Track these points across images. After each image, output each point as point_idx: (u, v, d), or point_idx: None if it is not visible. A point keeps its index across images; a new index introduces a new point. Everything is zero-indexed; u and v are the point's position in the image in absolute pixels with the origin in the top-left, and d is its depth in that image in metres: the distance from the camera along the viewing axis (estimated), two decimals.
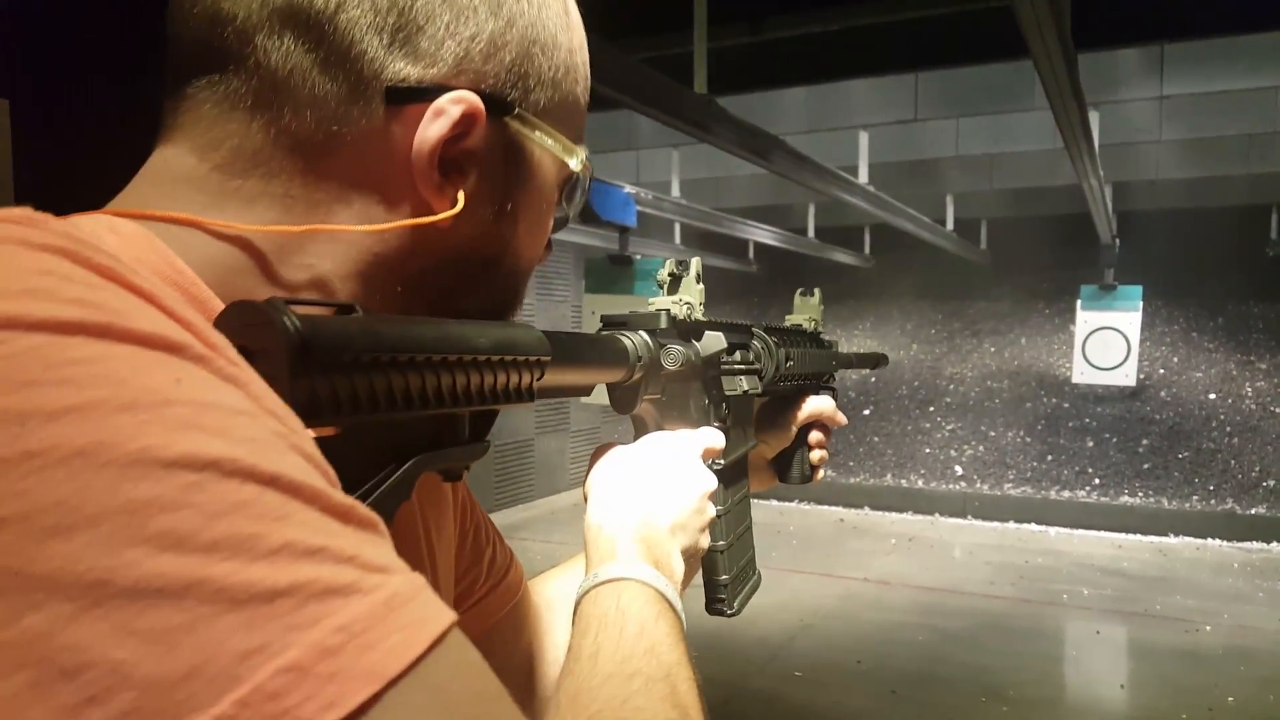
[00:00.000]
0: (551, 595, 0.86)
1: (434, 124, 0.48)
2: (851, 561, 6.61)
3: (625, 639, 0.55)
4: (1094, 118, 4.71)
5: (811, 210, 8.53)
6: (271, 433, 0.34)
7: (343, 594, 0.30)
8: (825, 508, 8.41)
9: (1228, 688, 4.27)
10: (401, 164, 0.49)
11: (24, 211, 0.36)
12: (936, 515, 8.22)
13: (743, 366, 0.90)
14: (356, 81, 0.47)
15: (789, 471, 1.09)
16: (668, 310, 0.78)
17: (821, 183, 5.33)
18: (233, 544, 0.29)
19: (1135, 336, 8.45)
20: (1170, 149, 6.62)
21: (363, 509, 0.35)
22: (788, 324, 1.14)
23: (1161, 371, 8.97)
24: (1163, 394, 8.75)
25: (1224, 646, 4.88)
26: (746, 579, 0.87)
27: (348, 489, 0.36)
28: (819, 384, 1.14)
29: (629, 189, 6.16)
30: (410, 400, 0.46)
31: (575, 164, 0.58)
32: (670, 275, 0.82)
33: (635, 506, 0.67)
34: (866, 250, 9.94)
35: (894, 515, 8.24)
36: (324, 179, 0.48)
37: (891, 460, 8.89)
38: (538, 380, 0.57)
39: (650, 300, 0.80)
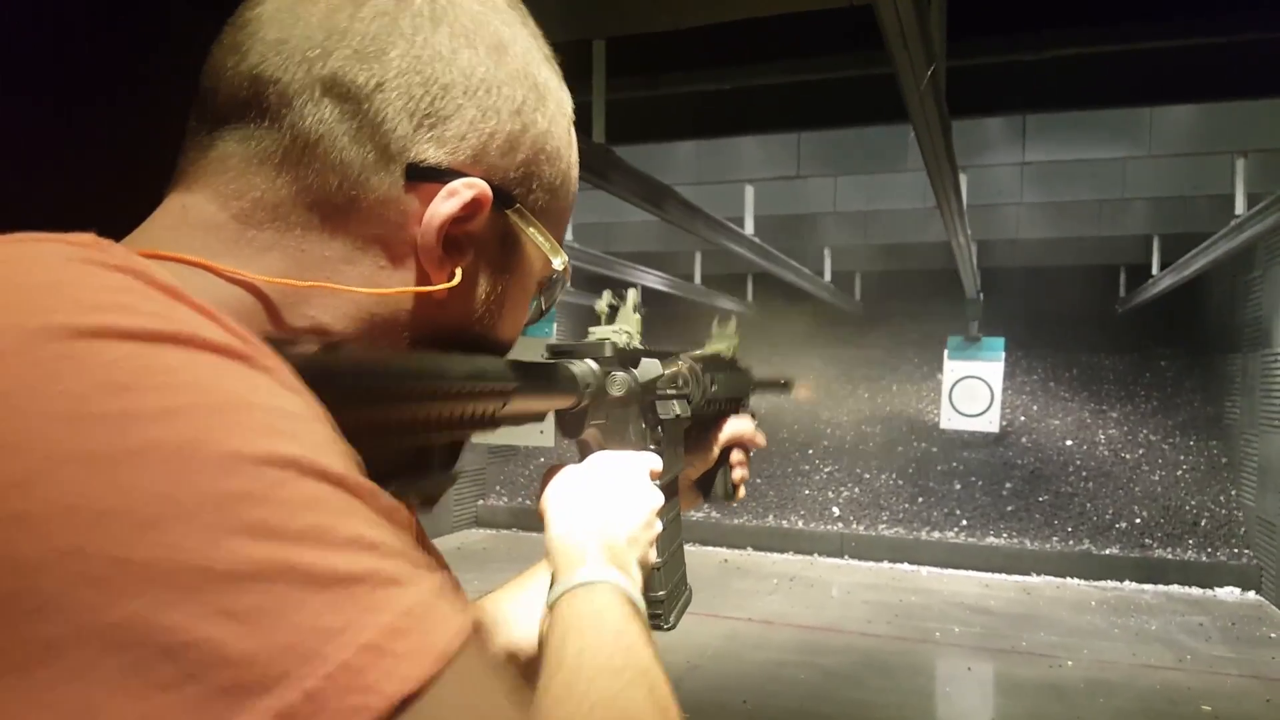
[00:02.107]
0: (498, 614, 0.86)
1: (446, 203, 0.52)
2: (736, 602, 6.70)
3: (606, 638, 0.58)
4: (963, 180, 5.00)
5: (698, 257, 8.72)
6: (329, 438, 0.37)
7: (401, 584, 0.33)
8: (710, 548, 8.51)
9: None
10: (409, 235, 0.52)
11: (90, 236, 0.39)
12: (815, 555, 8.41)
13: (674, 392, 0.93)
14: (382, 154, 0.50)
15: (712, 489, 1.13)
16: (610, 339, 0.82)
17: (711, 232, 5.47)
18: (315, 534, 0.32)
19: (998, 385, 8.94)
20: (1030, 211, 7.07)
21: (403, 510, 0.38)
22: (708, 351, 1.17)
23: (1022, 419, 9.49)
24: (1024, 440, 9.25)
25: (1084, 680, 5.14)
26: (680, 594, 0.90)
27: None
28: (738, 407, 1.18)
29: None
30: (392, 429, 0.48)
31: (558, 264, 0.61)
32: (609, 306, 0.85)
33: (596, 518, 0.70)
34: (749, 298, 10.22)
35: (775, 555, 8.39)
36: (336, 237, 0.51)
37: (773, 501, 9.07)
38: (502, 409, 0.60)
39: (591, 330, 0.84)
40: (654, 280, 7.92)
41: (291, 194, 0.49)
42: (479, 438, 0.62)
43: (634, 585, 0.66)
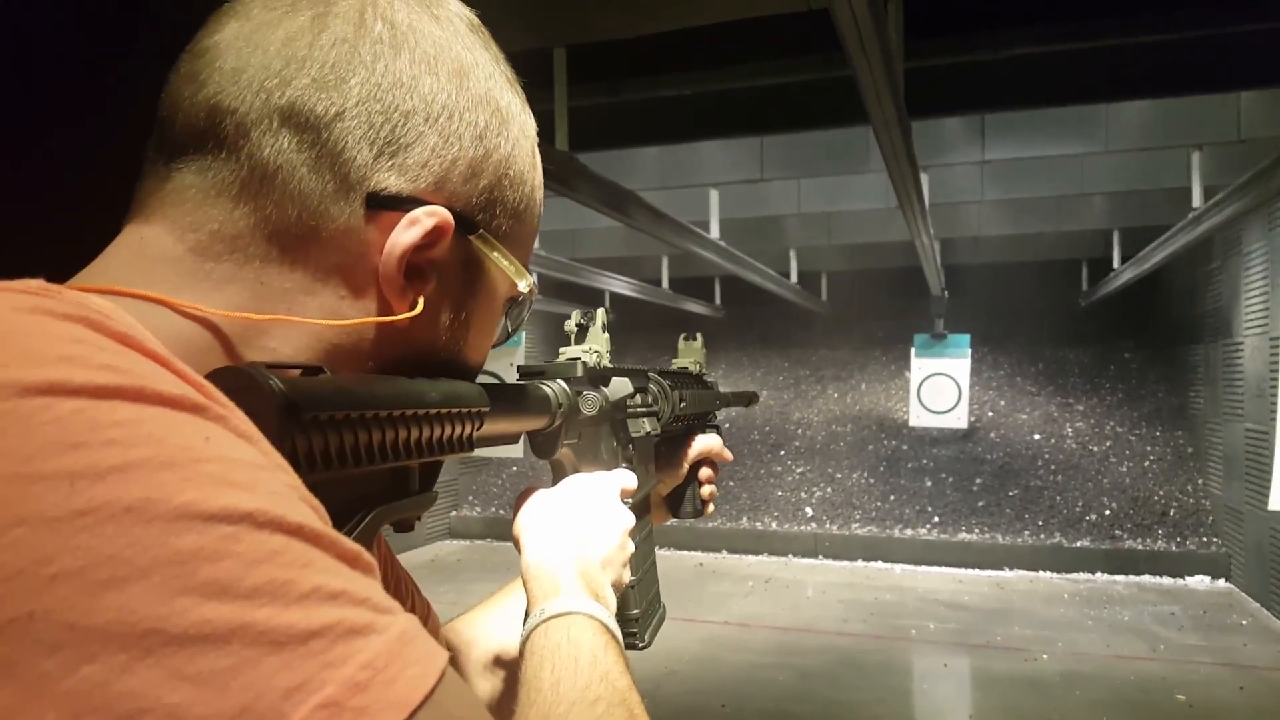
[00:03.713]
0: (470, 636, 0.86)
1: (407, 232, 0.51)
2: (712, 605, 6.70)
3: (581, 668, 0.58)
4: (924, 180, 5.04)
5: (665, 262, 8.73)
6: (287, 485, 0.36)
7: (364, 633, 0.33)
8: (684, 553, 8.51)
9: (1065, 712, 4.54)
10: (370, 264, 0.51)
11: (39, 283, 0.38)
12: (790, 556, 8.44)
13: (644, 409, 0.95)
14: (342, 184, 0.50)
15: (682, 506, 1.14)
16: (581, 359, 0.82)
17: (677, 237, 5.48)
18: (270, 590, 0.31)
19: (965, 382, 9.02)
20: (991, 208, 7.14)
21: (366, 554, 0.37)
22: (675, 367, 1.18)
23: (990, 414, 9.58)
24: (992, 435, 9.33)
25: (1060, 673, 5.18)
26: (654, 612, 0.90)
27: None
28: (705, 423, 1.19)
29: None
30: (374, 453, 0.49)
31: (524, 286, 0.61)
32: (578, 325, 0.85)
33: (569, 544, 0.70)
34: (717, 300, 10.25)
35: (750, 558, 8.40)
36: (295, 268, 0.50)
37: (746, 504, 9.09)
38: (478, 430, 0.60)
39: (561, 349, 0.84)
40: (621, 285, 7.92)
41: (250, 225, 0.49)
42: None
43: (609, 611, 0.67)
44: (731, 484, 9.19)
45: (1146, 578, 7.55)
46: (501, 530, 9.05)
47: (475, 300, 0.59)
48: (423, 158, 0.52)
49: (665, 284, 8.83)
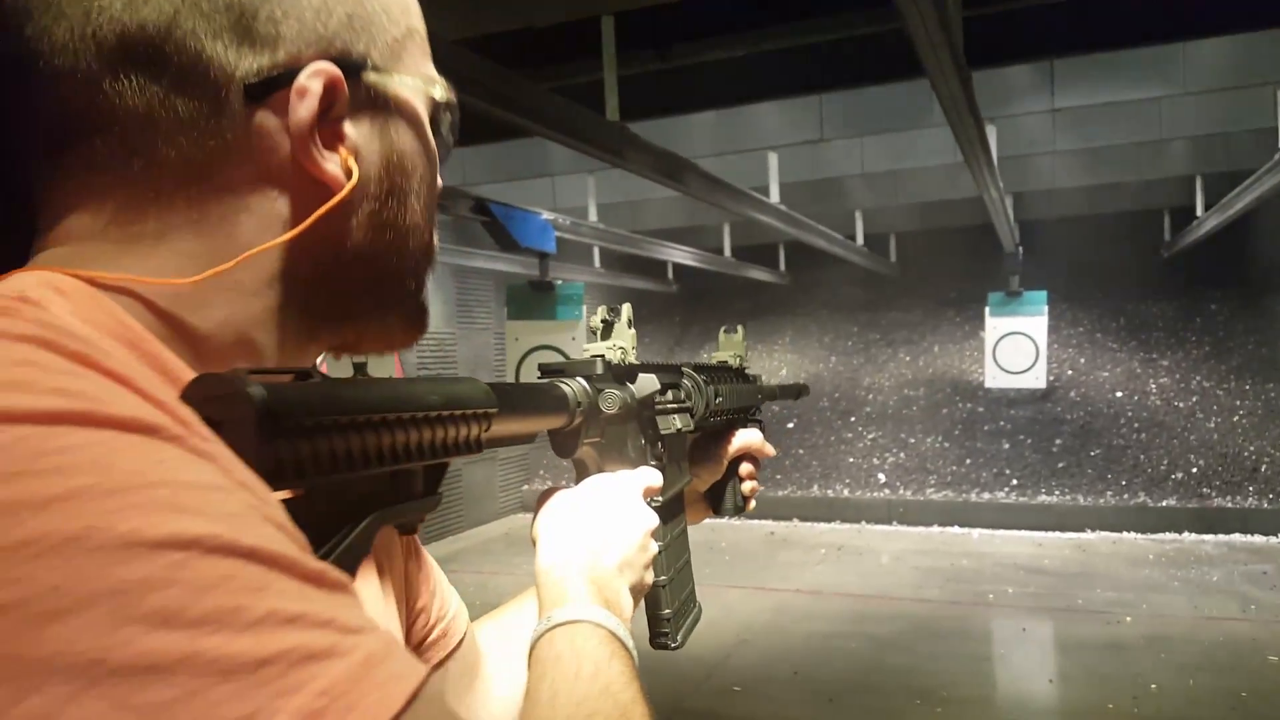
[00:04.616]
0: (489, 641, 0.86)
1: (301, 105, 0.48)
2: (783, 574, 6.69)
3: (581, 681, 0.57)
4: (991, 132, 4.87)
5: (726, 230, 8.66)
6: (246, 505, 0.35)
7: (323, 658, 0.32)
8: (755, 522, 8.49)
9: (1150, 675, 4.43)
10: (285, 154, 0.49)
11: (4, 299, 0.38)
12: (863, 523, 8.37)
13: (675, 405, 0.93)
14: (214, 91, 0.47)
15: (722, 503, 1.12)
16: (603, 356, 0.81)
17: (735, 203, 5.42)
18: (219, 617, 0.31)
19: (1043, 340, 8.76)
20: (1065, 159, 6.89)
21: (334, 572, 0.36)
22: (714, 361, 1.17)
23: (1070, 373, 9.31)
24: (1072, 394, 9.08)
25: (1144, 636, 5.06)
26: (688, 612, 0.89)
27: (312, 548, 0.38)
28: (747, 417, 1.17)
29: (546, 215, 6.16)
30: (368, 459, 0.47)
31: (439, 92, 0.57)
32: (603, 322, 0.84)
33: (584, 548, 0.69)
34: (782, 267, 10.13)
35: (822, 525, 8.36)
36: (219, 194, 0.48)
37: (817, 471, 9.02)
38: (485, 432, 0.58)
39: (585, 347, 0.83)
40: (683, 256, 7.89)
41: (152, 177, 0.47)
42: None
43: (621, 618, 0.65)
44: (801, 452, 9.14)
45: (1236, 536, 7.31)
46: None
47: (401, 136, 0.55)
48: (274, 20, 0.48)
49: (728, 252, 8.76)
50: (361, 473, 0.47)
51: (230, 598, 0.31)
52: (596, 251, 8.62)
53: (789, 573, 6.74)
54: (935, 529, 8.14)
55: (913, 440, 9.14)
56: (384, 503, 0.51)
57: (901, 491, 8.59)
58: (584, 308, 7.09)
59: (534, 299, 7.09)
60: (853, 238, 8.33)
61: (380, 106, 0.53)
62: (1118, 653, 4.82)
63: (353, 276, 0.54)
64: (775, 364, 10.34)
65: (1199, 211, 7.31)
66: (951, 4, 2.91)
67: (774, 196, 5.95)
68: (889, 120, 5.66)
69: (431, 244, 0.59)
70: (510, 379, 6.21)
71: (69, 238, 0.47)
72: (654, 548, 0.77)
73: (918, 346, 10.23)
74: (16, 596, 0.28)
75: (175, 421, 0.36)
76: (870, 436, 9.33)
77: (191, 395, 0.40)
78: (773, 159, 5.99)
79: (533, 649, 0.62)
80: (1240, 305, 9.11)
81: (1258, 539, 7.20)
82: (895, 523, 8.33)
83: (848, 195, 7.68)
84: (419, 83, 0.55)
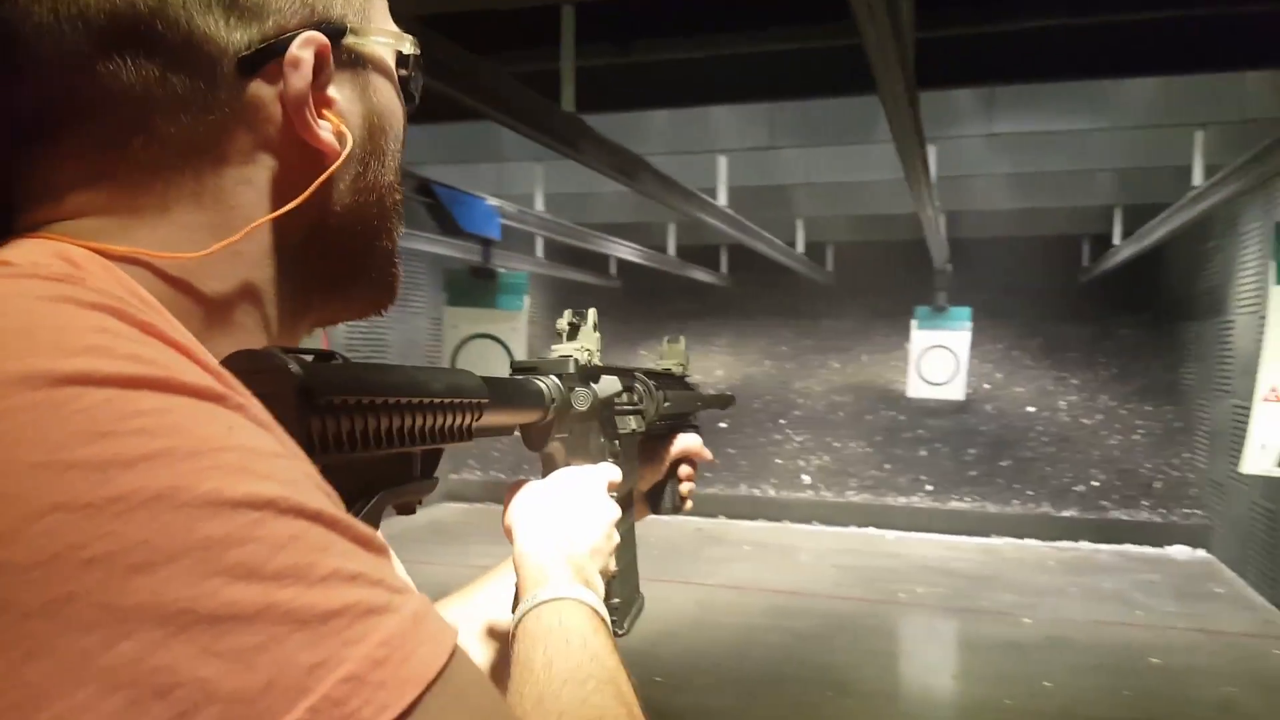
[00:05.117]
0: (457, 615, 0.87)
1: (295, 75, 0.49)
2: (708, 569, 6.82)
3: (573, 649, 0.61)
4: (931, 151, 5.06)
5: (672, 229, 8.73)
6: (303, 473, 0.38)
7: (380, 613, 0.35)
8: (683, 518, 8.55)
9: (1045, 674, 4.67)
10: (279, 123, 0.50)
11: (62, 267, 0.40)
12: (786, 522, 8.56)
13: (630, 407, 0.99)
14: (209, 66, 0.47)
15: (661, 503, 1.18)
16: (574, 356, 0.86)
17: (685, 204, 5.50)
18: (292, 573, 0.33)
19: (964, 354, 9.10)
20: (998, 182, 7.16)
21: (379, 538, 0.39)
22: (659, 368, 1.22)
23: (987, 386, 9.67)
24: (988, 407, 9.43)
25: (1043, 637, 5.31)
26: (634, 600, 0.94)
27: None
28: (686, 423, 1.23)
29: (492, 201, 6.05)
30: (382, 439, 0.50)
31: (408, 47, 0.57)
32: (570, 324, 0.90)
33: (561, 534, 0.73)
34: (724, 269, 10.27)
35: (747, 523, 8.52)
36: (218, 166, 0.49)
37: (745, 471, 9.20)
38: (477, 421, 0.62)
39: (553, 347, 0.88)
40: (628, 252, 7.93)
41: (154, 154, 0.47)
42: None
43: (598, 597, 0.70)
44: (732, 451, 9.29)
45: (1129, 547, 7.68)
46: (501, 494, 9.15)
47: (380, 93, 0.55)
48: None
49: (672, 251, 8.86)
50: (377, 452, 0.49)
51: (301, 555, 0.33)
52: (540, 241, 8.60)
53: (714, 568, 6.87)
54: (854, 529, 8.36)
55: (837, 444, 9.39)
56: (389, 483, 0.54)
57: (824, 493, 8.81)
58: (526, 298, 7.04)
59: (475, 286, 6.93)
60: (793, 245, 8.51)
61: (359, 67, 0.54)
62: (1017, 652, 5.06)
63: (339, 241, 0.54)
64: (712, 364, 10.50)
65: (1116, 240, 7.66)
66: (907, 25, 3.05)
67: (722, 200, 6.05)
68: (837, 133, 5.80)
69: (401, 201, 0.59)
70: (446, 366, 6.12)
71: (69, 212, 0.47)
72: (617, 537, 0.80)
73: (848, 354, 10.52)
74: (109, 549, 0.30)
75: (236, 392, 0.38)
76: (798, 439, 9.55)
77: (231, 370, 0.40)
78: (723, 162, 6.09)
79: (519, 624, 0.65)
80: (1147, 332, 9.56)
81: (1149, 550, 7.59)
82: (816, 522, 8.52)
83: (792, 203, 7.83)
84: (390, 39, 0.56)
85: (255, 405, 0.38)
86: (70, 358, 0.33)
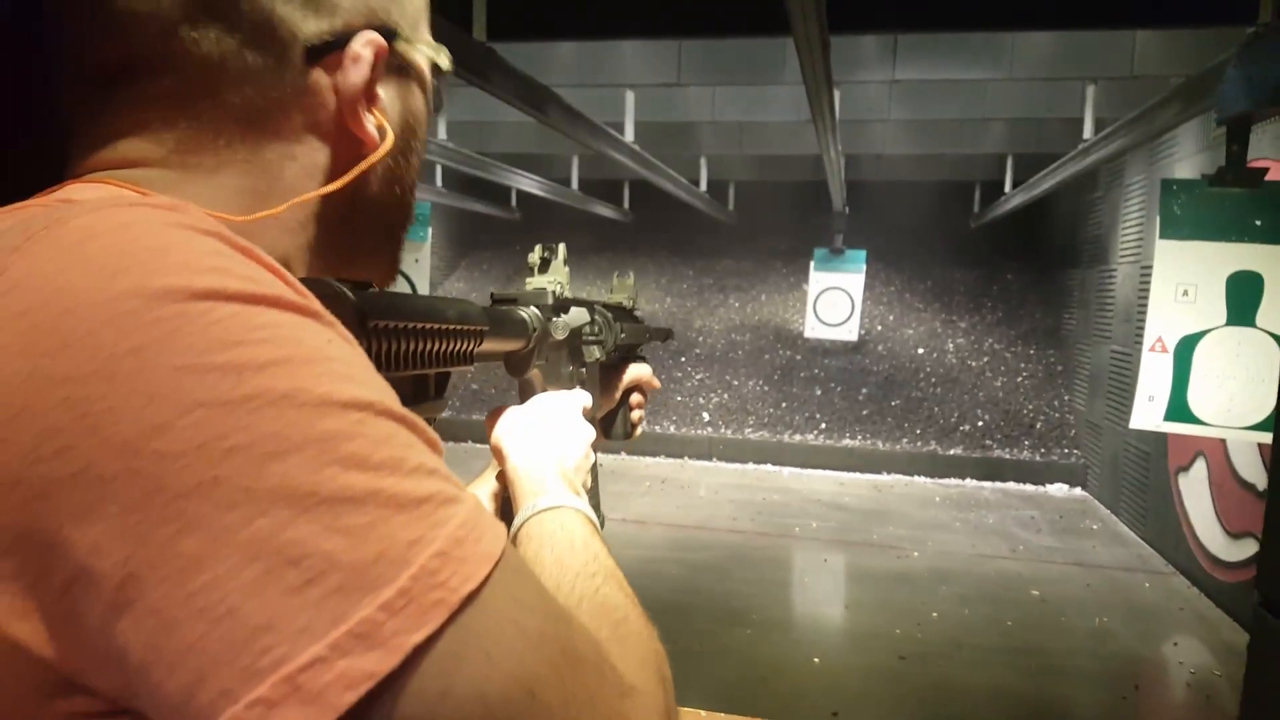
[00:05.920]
0: None
1: (354, 70, 0.54)
2: (610, 504, 6.75)
3: (577, 549, 0.67)
4: (836, 96, 5.11)
5: (575, 162, 8.63)
6: (384, 383, 0.42)
7: (455, 502, 0.39)
8: None
9: (932, 605, 4.92)
10: (330, 109, 0.54)
11: (169, 200, 0.44)
12: (686, 459, 8.73)
13: (594, 338, 1.04)
14: (280, 49, 0.51)
15: (612, 429, 1.22)
16: (550, 289, 0.91)
17: (592, 138, 5.44)
18: (390, 464, 0.38)
19: (859, 296, 9.34)
20: (897, 128, 7.30)
21: (440, 442, 0.44)
22: (612, 302, 1.26)
23: (879, 328, 9.96)
24: (880, 348, 9.74)
25: (929, 569, 5.59)
26: (597, 518, 1.01)
27: None
28: (636, 353, 1.28)
29: None
30: (412, 360, 0.55)
31: (445, 62, 0.62)
32: (541, 259, 0.94)
33: (551, 450, 0.80)
34: (626, 205, 10.23)
35: (648, 459, 8.65)
36: (271, 139, 0.53)
37: (647, 408, 9.28)
38: (478, 347, 0.67)
39: (527, 280, 0.93)
40: (530, 185, 7.82)
41: (215, 118, 0.51)
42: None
43: (587, 506, 0.75)
44: None
45: (1011, 484, 8.11)
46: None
47: (414, 99, 0.61)
48: None
49: (575, 185, 8.77)
50: (408, 372, 0.55)
51: (395, 450, 0.38)
52: (440, 170, 8.40)
53: (616, 503, 6.97)
54: (751, 466, 8.59)
55: (736, 383, 9.56)
56: (411, 402, 0.58)
57: (723, 430, 8.99)
58: (429, 229, 6.91)
59: None
60: (696, 183, 8.52)
61: (403, 72, 0.59)
62: (905, 583, 5.31)
63: (366, 222, 0.60)
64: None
65: (1007, 188, 7.92)
66: None
67: (629, 135, 6.00)
68: (743, 73, 5.80)
69: (414, 202, 0.65)
70: None
71: (126, 161, 0.51)
72: (594, 456, 0.87)
73: (747, 294, 10.66)
74: (246, 440, 0.35)
75: (324, 310, 0.42)
76: (698, 377, 9.69)
77: None
78: (630, 97, 6.02)
79: (521, 529, 0.71)
80: (1033, 278, 9.98)
81: (1029, 487, 8.04)
82: (715, 459, 8.72)
83: (696, 141, 7.83)
84: (431, 50, 0.61)
85: (338, 323, 0.43)
86: (200, 275, 0.37)
